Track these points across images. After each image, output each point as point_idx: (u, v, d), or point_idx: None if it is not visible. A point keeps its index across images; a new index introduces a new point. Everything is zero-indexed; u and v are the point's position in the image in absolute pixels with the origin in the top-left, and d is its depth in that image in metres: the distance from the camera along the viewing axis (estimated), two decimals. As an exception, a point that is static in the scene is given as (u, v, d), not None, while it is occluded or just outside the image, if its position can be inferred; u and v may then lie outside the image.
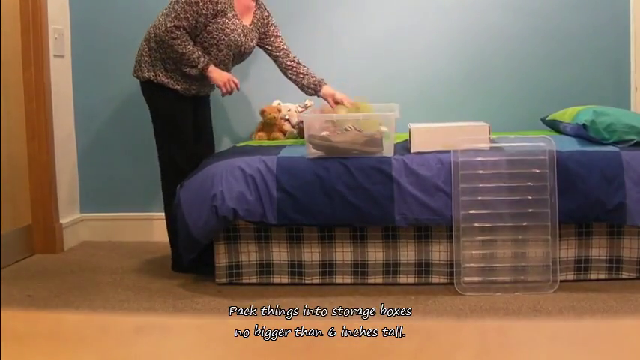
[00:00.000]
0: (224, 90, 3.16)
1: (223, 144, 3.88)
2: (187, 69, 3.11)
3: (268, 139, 3.61)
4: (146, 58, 3.17)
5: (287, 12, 3.79)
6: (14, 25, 3.52)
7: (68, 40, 3.91)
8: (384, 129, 2.98)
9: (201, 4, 3.03)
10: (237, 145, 3.54)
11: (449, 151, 2.85)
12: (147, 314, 2.61)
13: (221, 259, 2.97)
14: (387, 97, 3.79)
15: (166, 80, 3.15)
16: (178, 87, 3.16)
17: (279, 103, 3.69)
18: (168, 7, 3.10)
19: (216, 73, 3.13)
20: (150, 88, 3.20)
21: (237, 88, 3.21)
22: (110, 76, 3.92)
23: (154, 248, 3.69)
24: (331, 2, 3.84)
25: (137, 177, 3.96)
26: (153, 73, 3.15)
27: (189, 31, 3.05)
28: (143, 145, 3.91)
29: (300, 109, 3.60)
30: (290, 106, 3.67)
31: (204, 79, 3.17)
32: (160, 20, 3.12)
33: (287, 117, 3.65)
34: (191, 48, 3.07)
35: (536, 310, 2.60)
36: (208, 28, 3.09)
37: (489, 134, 2.94)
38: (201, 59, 3.08)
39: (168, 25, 3.02)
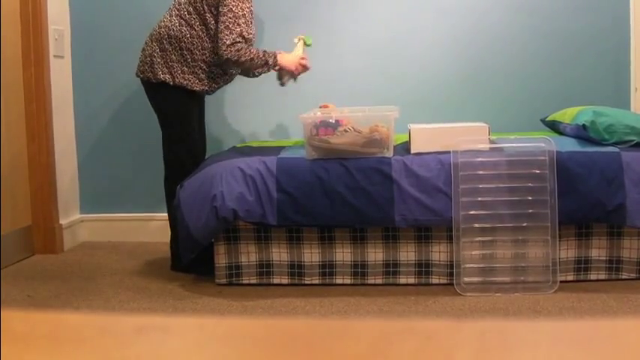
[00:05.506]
0: (296, 73, 3.20)
1: (223, 144, 3.88)
2: (258, 70, 3.13)
3: None
4: (158, 60, 3.09)
5: (287, 13, 3.80)
6: (14, 26, 3.52)
7: (68, 40, 3.91)
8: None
9: (248, 4, 3.05)
10: (237, 145, 3.54)
11: (449, 152, 2.85)
12: (147, 315, 2.61)
13: (221, 259, 2.98)
14: (387, 97, 3.80)
15: (185, 82, 3.10)
16: (197, 87, 3.13)
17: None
18: (190, 13, 3.07)
19: (285, 61, 3.16)
20: (162, 90, 3.13)
21: (308, 68, 3.23)
22: (110, 76, 3.92)
23: (153, 249, 3.69)
24: (331, 3, 3.84)
25: (137, 177, 3.96)
26: (169, 76, 3.08)
27: (246, 40, 3.03)
28: (143, 145, 3.91)
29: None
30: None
31: (230, 73, 3.19)
32: (172, 21, 3.08)
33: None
34: (255, 50, 3.05)
35: (536, 311, 2.60)
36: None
37: (489, 135, 2.94)
38: (268, 54, 3.09)
39: (227, 42, 2.98)
